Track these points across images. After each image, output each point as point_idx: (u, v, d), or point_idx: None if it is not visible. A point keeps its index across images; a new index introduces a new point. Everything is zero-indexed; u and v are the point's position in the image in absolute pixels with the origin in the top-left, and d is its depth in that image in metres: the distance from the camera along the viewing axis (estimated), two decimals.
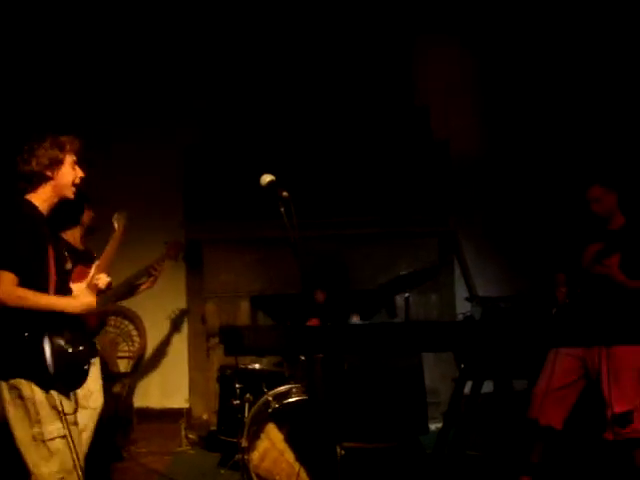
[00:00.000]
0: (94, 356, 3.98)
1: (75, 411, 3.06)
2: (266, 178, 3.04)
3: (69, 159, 3.19)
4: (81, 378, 3.14)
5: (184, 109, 6.59)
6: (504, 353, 4.54)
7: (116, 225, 4.07)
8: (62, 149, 3.17)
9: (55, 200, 3.19)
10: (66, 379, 3.04)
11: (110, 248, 3.93)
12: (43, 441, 2.95)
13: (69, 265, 3.43)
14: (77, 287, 3.30)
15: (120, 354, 6.58)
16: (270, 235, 6.11)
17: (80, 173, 3.26)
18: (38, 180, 3.12)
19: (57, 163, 3.14)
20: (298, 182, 3.20)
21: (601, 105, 6.32)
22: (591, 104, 6.34)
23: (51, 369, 2.95)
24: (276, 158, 6.17)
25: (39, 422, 2.95)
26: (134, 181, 6.51)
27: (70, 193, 3.21)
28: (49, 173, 3.12)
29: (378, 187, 6.52)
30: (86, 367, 3.16)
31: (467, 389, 4.67)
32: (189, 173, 6.62)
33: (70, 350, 3.04)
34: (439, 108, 6.72)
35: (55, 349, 2.98)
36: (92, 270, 3.37)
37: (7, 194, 3.18)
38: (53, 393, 2.96)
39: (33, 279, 2.98)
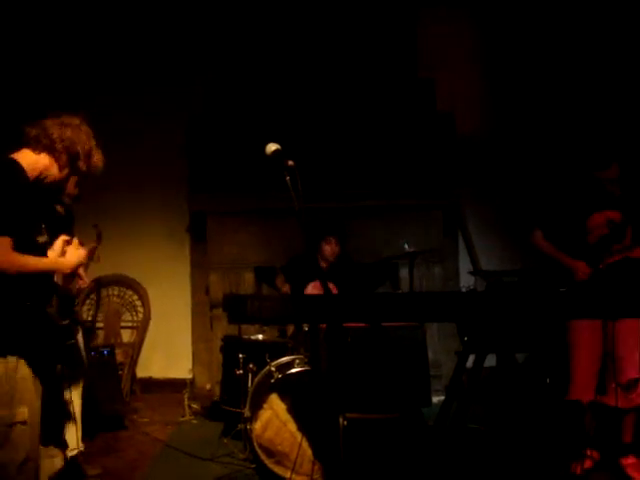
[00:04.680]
0: (77, 331, 3.89)
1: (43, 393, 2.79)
2: (271, 147, 3.01)
3: (79, 168, 2.88)
4: (62, 353, 2.95)
5: (188, 79, 6.55)
6: (507, 326, 4.55)
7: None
8: (88, 157, 2.87)
9: (37, 174, 2.80)
10: (50, 353, 2.84)
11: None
12: (8, 425, 2.64)
13: (43, 238, 2.88)
14: (52, 253, 2.96)
15: (123, 324, 6.61)
16: (274, 206, 6.09)
17: (73, 190, 3.11)
18: (48, 149, 2.79)
19: (73, 157, 2.84)
20: (301, 154, 3.15)
21: (609, 81, 6.26)
22: (599, 80, 6.28)
23: (40, 341, 2.73)
24: (280, 130, 6.11)
25: (8, 404, 2.65)
26: (138, 153, 6.49)
27: (53, 187, 2.88)
28: (62, 154, 2.80)
29: (382, 159, 6.48)
30: (69, 343, 3.05)
31: (469, 363, 4.68)
32: (193, 144, 6.58)
33: (59, 323, 2.84)
34: (445, 82, 6.66)
35: (46, 321, 2.77)
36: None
37: None
38: (31, 373, 2.71)
39: (20, 244, 2.64)
